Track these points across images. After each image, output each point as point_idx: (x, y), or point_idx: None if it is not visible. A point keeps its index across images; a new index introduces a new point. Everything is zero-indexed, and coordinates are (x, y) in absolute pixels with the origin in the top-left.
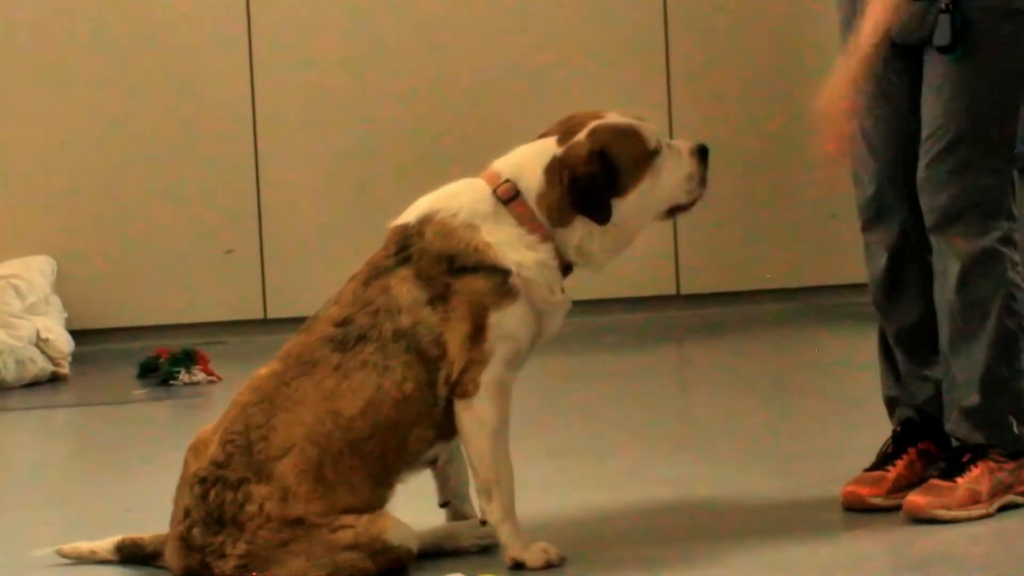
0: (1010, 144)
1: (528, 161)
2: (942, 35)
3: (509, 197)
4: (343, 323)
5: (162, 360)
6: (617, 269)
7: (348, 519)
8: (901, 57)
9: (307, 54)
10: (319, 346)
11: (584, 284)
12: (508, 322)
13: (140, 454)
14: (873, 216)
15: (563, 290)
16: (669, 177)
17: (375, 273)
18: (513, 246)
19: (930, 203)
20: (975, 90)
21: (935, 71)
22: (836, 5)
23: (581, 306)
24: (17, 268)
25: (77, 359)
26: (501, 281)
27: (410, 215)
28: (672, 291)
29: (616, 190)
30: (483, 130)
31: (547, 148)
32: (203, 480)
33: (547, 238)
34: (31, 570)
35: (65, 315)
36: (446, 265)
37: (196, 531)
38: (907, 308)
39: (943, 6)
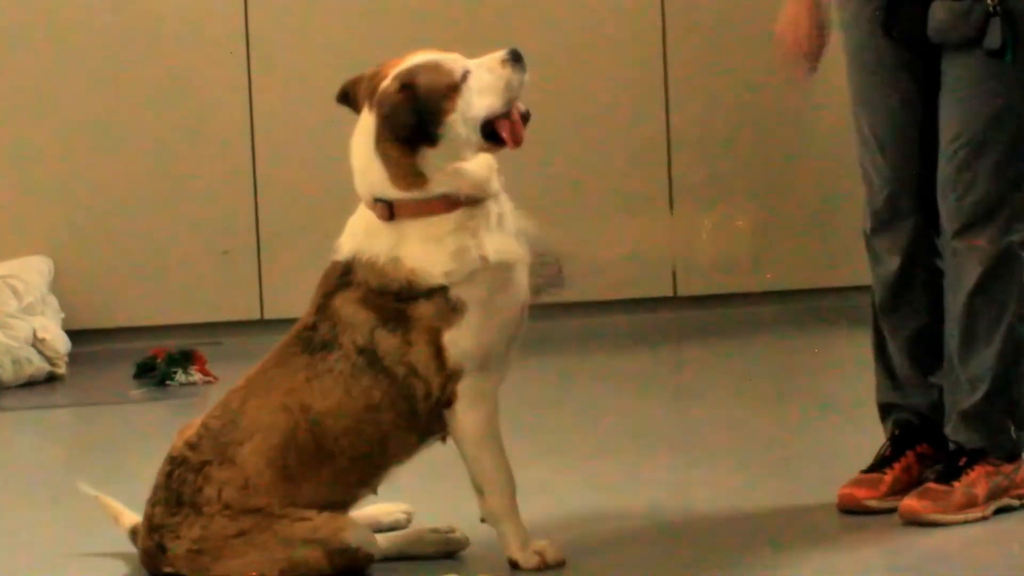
0: None
1: (364, 161)
2: (992, 38)
3: (389, 214)
4: (310, 328)
5: (159, 360)
6: (614, 270)
7: (308, 513)
8: (918, 56)
9: (305, 54)
10: (291, 343)
11: (581, 285)
12: (463, 338)
13: (137, 454)
14: (886, 219)
15: (507, 244)
16: (484, 94)
17: (328, 289)
18: (430, 256)
19: (955, 207)
20: (1009, 93)
21: (964, 72)
22: (837, 5)
23: (578, 307)
24: (14, 268)
25: (74, 359)
26: (443, 299)
27: (341, 253)
28: (669, 293)
29: (434, 121)
30: None
31: (365, 128)
32: (174, 460)
33: (449, 205)
34: (29, 569)
35: (62, 315)
36: (392, 298)
37: (158, 510)
38: (914, 313)
39: (990, 8)
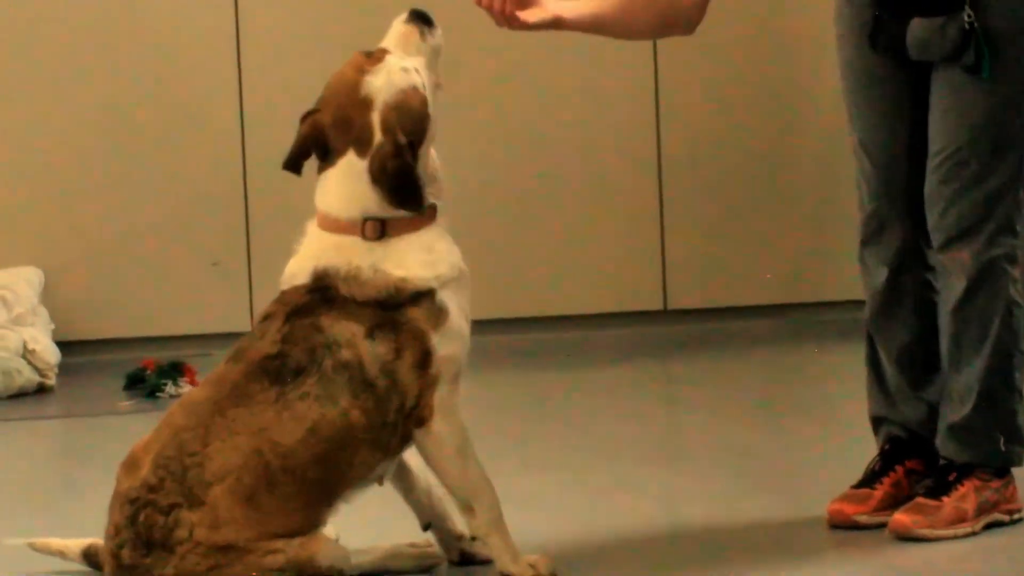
0: (1020, 160)
1: (352, 186)
2: (968, 54)
3: (380, 232)
4: (276, 357)
5: (149, 372)
6: (604, 283)
7: (279, 544)
8: (906, 70)
9: (296, 67)
10: (253, 378)
11: (570, 299)
12: (447, 340)
13: None
14: (874, 231)
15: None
16: (431, 80)
17: (294, 312)
18: (420, 262)
19: (939, 219)
20: (989, 107)
21: (947, 86)
22: (833, 19)
23: (567, 320)
24: (4, 279)
25: (64, 370)
26: (431, 302)
27: (299, 278)
28: (659, 306)
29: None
30: (472, 141)
31: (354, 170)
32: (133, 501)
33: (432, 214)
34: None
35: (52, 326)
36: (378, 307)
37: (125, 551)
38: (903, 326)
39: (966, 24)
